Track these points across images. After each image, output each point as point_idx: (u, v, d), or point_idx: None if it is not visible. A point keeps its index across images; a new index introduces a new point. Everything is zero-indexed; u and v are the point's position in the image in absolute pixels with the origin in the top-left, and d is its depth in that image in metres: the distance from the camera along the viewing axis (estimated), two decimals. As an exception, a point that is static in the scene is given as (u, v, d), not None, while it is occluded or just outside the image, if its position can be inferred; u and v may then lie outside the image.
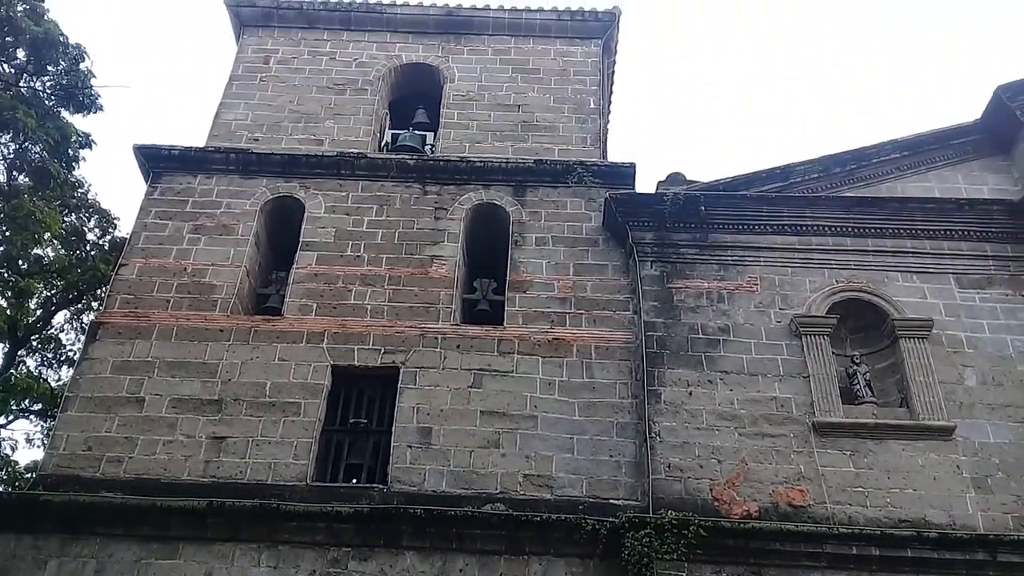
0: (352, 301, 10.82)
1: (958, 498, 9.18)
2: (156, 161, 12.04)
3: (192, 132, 40.34)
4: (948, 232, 10.79)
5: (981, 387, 9.85)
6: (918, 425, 9.58)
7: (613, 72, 14.37)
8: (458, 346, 10.43)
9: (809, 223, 10.95)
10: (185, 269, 11.06)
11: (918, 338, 10.11)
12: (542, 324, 10.64)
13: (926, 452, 9.45)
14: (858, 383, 10.03)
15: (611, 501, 9.27)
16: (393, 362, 10.29)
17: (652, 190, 11.46)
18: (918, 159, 11.57)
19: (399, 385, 10.09)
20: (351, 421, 10.18)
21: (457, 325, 10.68)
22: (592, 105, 12.94)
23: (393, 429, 9.82)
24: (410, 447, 9.67)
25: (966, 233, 10.78)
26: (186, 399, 9.97)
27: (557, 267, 11.15)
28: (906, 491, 9.22)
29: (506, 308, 10.86)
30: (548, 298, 10.88)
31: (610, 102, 14.65)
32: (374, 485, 9.55)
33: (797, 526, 8.83)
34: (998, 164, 11.53)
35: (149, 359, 10.26)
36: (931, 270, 10.63)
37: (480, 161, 12.05)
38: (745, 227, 11.00)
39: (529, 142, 12.49)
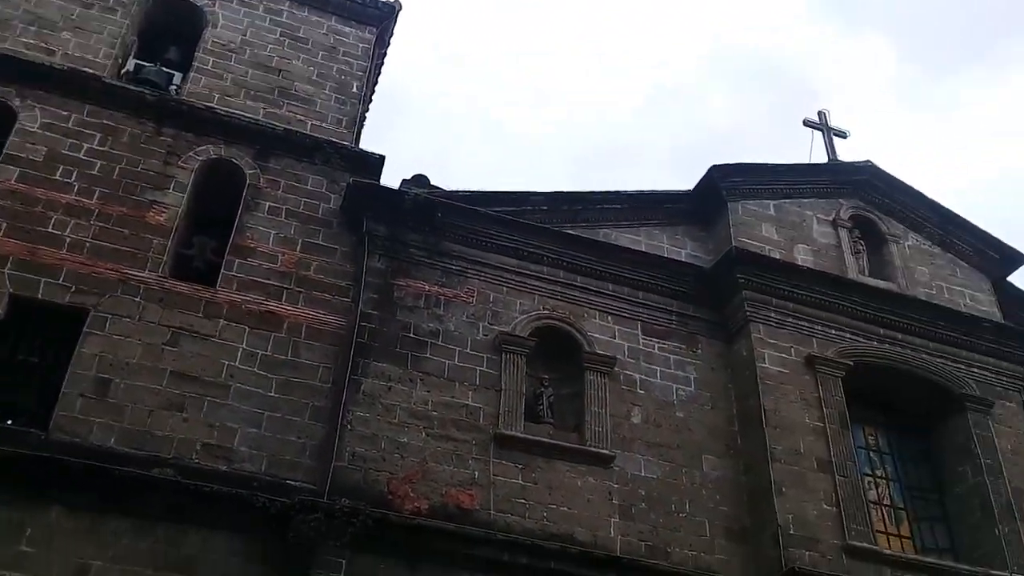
0: (50, 230, 9.94)
1: (604, 521, 10.16)
2: None
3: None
4: (645, 284, 11.95)
5: (643, 425, 11.00)
6: (585, 451, 10.49)
7: (382, 64, 14.43)
8: (161, 300, 9.95)
9: (532, 250, 11.65)
10: None
11: (601, 373, 11.10)
12: (257, 294, 10.42)
13: (586, 476, 10.37)
14: (542, 404, 10.81)
15: (289, 482, 9.26)
16: (83, 304, 9.59)
17: (397, 187, 11.63)
18: (635, 214, 12.71)
19: (84, 328, 9.43)
20: (20, 358, 9.35)
21: (165, 278, 10.17)
22: (355, 89, 12.90)
23: (67, 375, 9.15)
24: (82, 396, 9.05)
25: (659, 288, 12.00)
26: None
27: (285, 241, 10.98)
28: (562, 508, 10.06)
29: (223, 271, 10.51)
30: (269, 270, 10.68)
31: (373, 91, 14.68)
32: (31, 429, 8.84)
33: (459, 528, 9.33)
34: (698, 233, 12.96)
35: None
36: (624, 314, 11.71)
37: (227, 115, 11.58)
38: (474, 241, 11.49)
39: (283, 109, 12.19)
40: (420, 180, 11.80)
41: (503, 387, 10.58)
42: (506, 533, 9.54)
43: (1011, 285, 14.14)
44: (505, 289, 11.39)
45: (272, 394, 9.81)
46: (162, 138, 11.17)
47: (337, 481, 9.31)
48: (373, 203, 11.21)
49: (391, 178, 12.82)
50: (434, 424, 10.12)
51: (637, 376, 11.31)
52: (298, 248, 10.97)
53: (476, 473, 9.94)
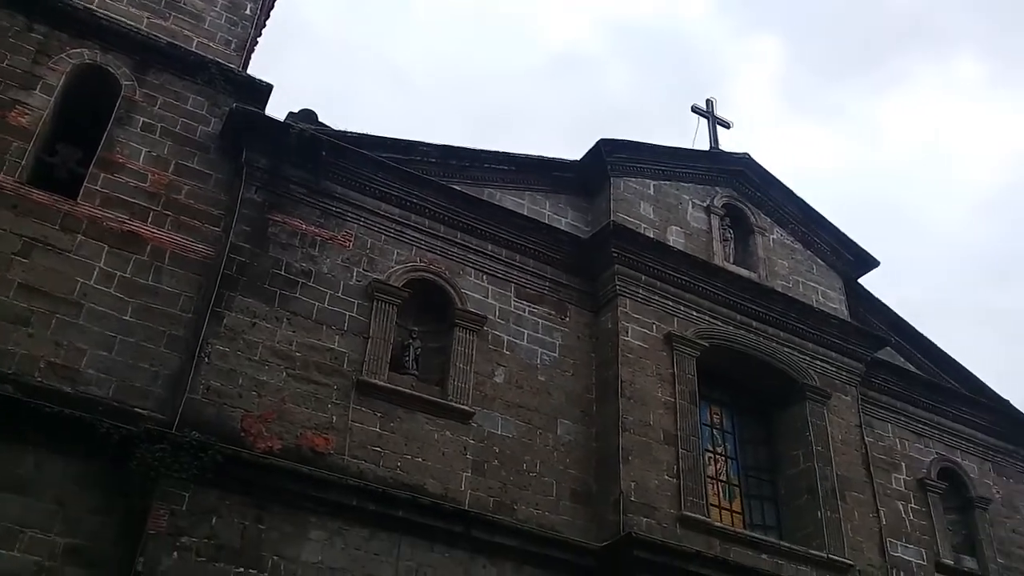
0: None
1: (457, 475, 10.34)
2: None
3: None
4: (523, 247, 12.10)
5: (506, 385, 11.21)
6: (446, 405, 10.61)
7: (280, -9, 13.86)
8: (15, 206, 9.36)
9: (415, 201, 11.57)
10: None
11: (470, 331, 11.21)
12: (121, 212, 9.95)
13: (444, 429, 10.50)
14: (409, 355, 10.84)
15: (137, 409, 8.96)
16: (-73, 200, 8.93)
17: (282, 120, 11.26)
18: (522, 177, 12.82)
19: (-73, 227, 8.80)
20: None
21: (21, 184, 9.55)
22: (248, 12, 12.35)
23: (-97, 274, 8.53)
24: (-84, 299, 8.47)
25: (537, 253, 12.18)
26: None
27: (157, 160, 10.49)
28: (417, 459, 10.16)
29: (86, 184, 9.97)
30: (136, 188, 10.20)
31: (268, 16, 14.12)
32: None
33: (311, 471, 9.29)
34: (580, 204, 13.21)
35: None
36: (499, 275, 11.84)
37: (107, 19, 10.89)
38: (357, 185, 11.31)
39: (169, 21, 11.56)
40: (308, 115, 11.49)
41: (371, 335, 10.54)
42: (358, 479, 9.56)
43: (860, 287, 15.09)
44: (384, 237, 11.29)
45: (127, 318, 9.43)
46: (33, 35, 10.42)
47: (188, 413, 9.08)
48: (255, 133, 10.84)
49: (278, 110, 12.45)
50: (296, 365, 9.99)
51: (505, 337, 11.48)
52: (170, 169, 10.51)
53: (334, 418, 9.90)
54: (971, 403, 15.09)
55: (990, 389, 15.49)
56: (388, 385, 10.37)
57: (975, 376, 15.49)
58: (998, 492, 14.76)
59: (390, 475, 9.89)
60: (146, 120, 10.66)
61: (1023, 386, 45.00)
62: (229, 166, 10.85)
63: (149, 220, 10.08)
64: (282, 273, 10.44)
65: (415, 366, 10.83)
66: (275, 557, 8.83)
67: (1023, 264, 49.32)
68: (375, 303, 10.77)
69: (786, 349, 13.10)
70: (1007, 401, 15.54)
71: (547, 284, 12.17)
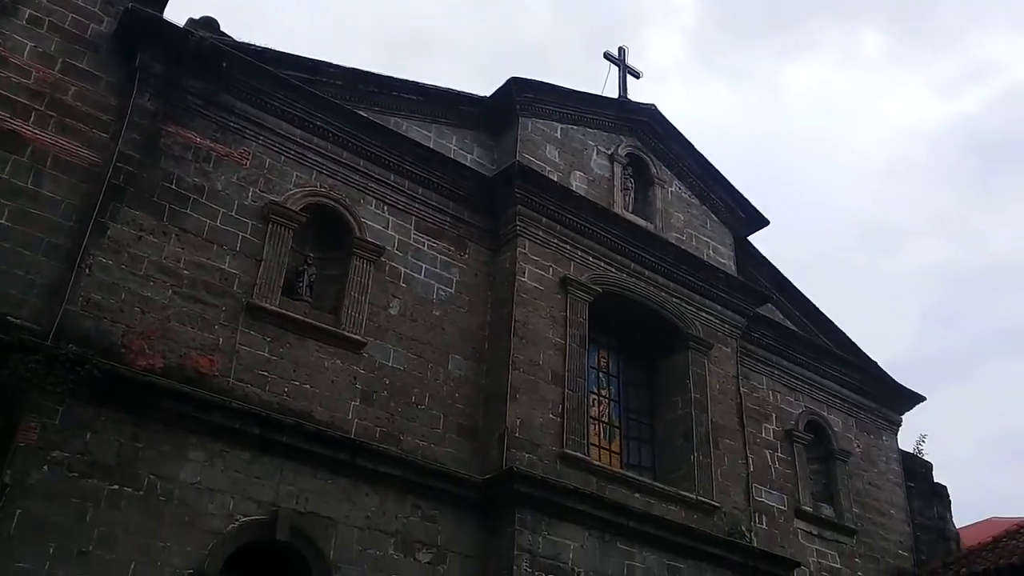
0: None
1: (345, 404, 10.32)
2: None
3: None
4: (426, 180, 11.99)
5: (400, 317, 11.20)
6: (338, 333, 10.53)
7: None
8: None
9: (319, 124, 11.27)
10: None
11: (368, 260, 11.10)
12: (1, 109, 9.34)
13: (335, 358, 10.44)
14: (303, 281, 10.66)
15: (10, 318, 8.52)
16: None
17: (181, 25, 10.70)
18: (430, 109, 12.62)
19: None
20: None
21: None
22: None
23: None
24: None
25: (440, 187, 12.10)
26: None
27: (43, 56, 9.85)
28: (305, 386, 10.09)
29: (-39, 75, 9.30)
30: (19, 84, 9.58)
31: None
32: None
33: (193, 391, 9.11)
34: (487, 141, 13.13)
35: None
36: (400, 207, 11.72)
37: (-10, -102, 10.05)
38: (259, 102, 10.92)
39: (63, -92, 10.74)
40: (209, 23, 10.94)
41: (264, 258, 10.30)
42: (243, 403, 9.44)
43: (749, 244, 15.64)
44: (283, 158, 10.99)
45: (3, 221, 8.93)
46: (-97, -96, 9.53)
47: (66, 326, 8.73)
48: (151, 37, 10.28)
49: (178, 14, 11.80)
50: (183, 283, 9.70)
51: (402, 269, 11.43)
52: (57, 67, 9.90)
53: (221, 340, 9.69)
54: (841, 361, 15.97)
55: (860, 350, 16.44)
56: (279, 310, 10.20)
57: (847, 336, 16.39)
58: (858, 446, 15.77)
59: (276, 400, 9.80)
60: (33, 12, 9.96)
61: (891, 349, 47.91)
62: (122, 70, 10.28)
63: (31, 119, 9.50)
64: (173, 187, 10.05)
65: (308, 293, 10.68)
66: (152, 476, 8.68)
67: (903, 233, 52.11)
68: (270, 225, 10.51)
69: (675, 300, 13.51)
70: (875, 362, 16.54)
71: (448, 219, 12.13)
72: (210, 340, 9.62)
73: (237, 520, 9.01)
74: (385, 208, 11.59)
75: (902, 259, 52.02)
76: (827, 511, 14.65)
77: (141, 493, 8.57)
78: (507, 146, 12.97)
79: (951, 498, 16.92)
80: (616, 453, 12.78)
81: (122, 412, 8.69)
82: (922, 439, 17.14)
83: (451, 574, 10.21)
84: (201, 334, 9.59)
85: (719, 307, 13.97)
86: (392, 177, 11.74)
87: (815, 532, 14.23)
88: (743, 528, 12.36)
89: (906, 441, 17.05)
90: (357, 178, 11.45)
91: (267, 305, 10.10)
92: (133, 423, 8.74)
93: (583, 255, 12.69)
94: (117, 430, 8.63)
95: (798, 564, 12.94)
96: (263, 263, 10.28)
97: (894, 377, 16.63)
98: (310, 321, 10.40)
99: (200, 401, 9.08)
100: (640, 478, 12.17)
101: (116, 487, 8.44)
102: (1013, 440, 48.64)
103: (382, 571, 9.75)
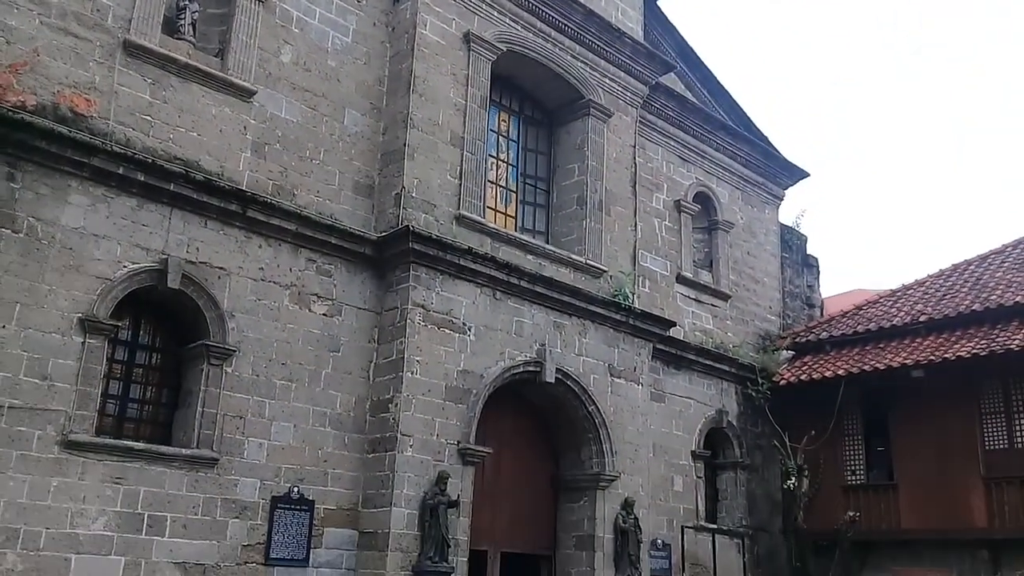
0: None
1: (235, 154, 9.95)
2: None
3: None
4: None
5: (292, 66, 10.62)
6: (225, 79, 9.94)
7: None
8: None
9: None
10: None
11: (257, 0, 10.32)
12: None
13: (223, 106, 9.92)
14: (184, 19, 9.88)
15: None
16: None
17: None
18: None
19: None
20: None
21: None
22: None
23: None
24: None
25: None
26: None
27: None
28: (191, 134, 9.63)
29: None
30: None
31: None
32: None
33: (70, 131, 8.56)
34: None
35: None
36: (293, -57, 10.77)
37: None
38: None
39: None
40: None
41: (139, -10, 9.42)
42: (124, 147, 8.96)
43: (660, 10, 15.26)
44: None
45: None
46: None
47: (-82, 53, 7.91)
48: None
49: None
50: (52, 12, 8.85)
51: (295, 13, 10.70)
52: None
53: (97, 78, 9.03)
54: (734, 135, 16.29)
55: (754, 125, 16.76)
56: (159, 49, 9.49)
57: (743, 110, 16.62)
58: (742, 218, 16.49)
59: (161, 147, 9.35)
60: None
61: (784, 125, 49.09)
62: None
63: None
64: (31, -100, 8.86)
65: (192, 32, 9.93)
66: (31, 219, 8.33)
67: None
68: (147, -46, 9.52)
69: (579, 64, 13.23)
70: (766, 137, 16.94)
71: (345, -39, 11.26)
72: (85, 78, 8.95)
73: (125, 267, 8.85)
74: (278, -56, 10.63)
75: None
76: (705, 277, 15.52)
77: (21, 235, 8.25)
78: None
79: (820, 269, 18.15)
80: (511, 217, 12.96)
81: (-8, 151, 8.16)
82: (801, 213, 18.07)
83: (346, 325, 10.47)
84: (75, 71, 8.89)
85: (622, 73, 13.80)
86: (284, -92, 10.68)
87: (693, 296, 15.13)
88: (627, 291, 12.99)
89: (788, 215, 17.96)
90: (244, -94, 10.36)
91: (146, 43, 9.37)
92: (7, 162, 8.25)
93: (488, 9, 12.12)
94: (-12, 170, 8.14)
95: (673, 324, 13.82)
96: (137, -4, 9.40)
97: (784, 154, 17.15)
98: (193, 63, 9.75)
99: (79, 143, 8.58)
100: (533, 241, 12.47)
101: (-8, 229, 8.09)
102: (888, 217, 51.80)
103: (277, 321, 9.90)
